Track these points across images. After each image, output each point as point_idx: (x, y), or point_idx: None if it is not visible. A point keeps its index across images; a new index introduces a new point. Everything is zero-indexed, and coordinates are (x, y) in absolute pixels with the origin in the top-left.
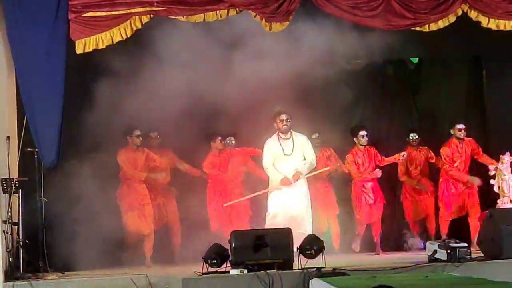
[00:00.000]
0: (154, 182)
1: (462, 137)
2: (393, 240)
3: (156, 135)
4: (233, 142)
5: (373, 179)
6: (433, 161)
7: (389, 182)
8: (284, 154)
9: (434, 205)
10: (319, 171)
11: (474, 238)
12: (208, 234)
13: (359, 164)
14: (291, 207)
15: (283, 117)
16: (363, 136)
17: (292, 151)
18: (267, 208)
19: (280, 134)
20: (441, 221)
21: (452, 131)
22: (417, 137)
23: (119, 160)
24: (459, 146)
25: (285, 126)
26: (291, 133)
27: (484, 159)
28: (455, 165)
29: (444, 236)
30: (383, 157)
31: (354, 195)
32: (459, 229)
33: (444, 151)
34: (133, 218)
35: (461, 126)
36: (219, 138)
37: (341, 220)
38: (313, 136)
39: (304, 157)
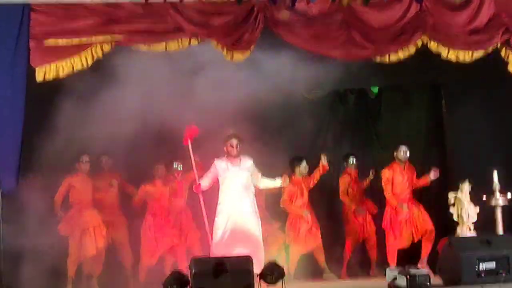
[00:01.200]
0: (103, 204)
1: (403, 160)
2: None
3: (106, 158)
4: (180, 167)
5: (308, 207)
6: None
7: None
8: (230, 177)
9: (375, 230)
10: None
11: (424, 258)
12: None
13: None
14: (242, 225)
15: (234, 142)
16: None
17: (237, 174)
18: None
19: (228, 157)
20: (389, 249)
21: (395, 153)
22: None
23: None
24: (401, 168)
25: (234, 151)
26: (240, 159)
27: (417, 183)
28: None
29: (392, 265)
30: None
31: (289, 223)
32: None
33: (384, 173)
34: (83, 241)
35: (404, 147)
36: (163, 164)
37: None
38: None
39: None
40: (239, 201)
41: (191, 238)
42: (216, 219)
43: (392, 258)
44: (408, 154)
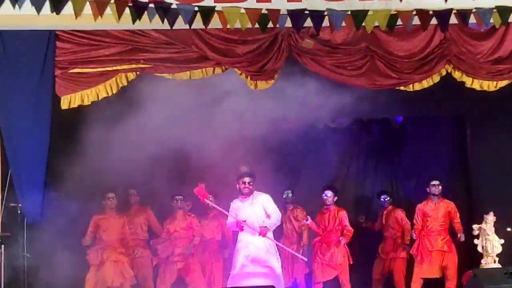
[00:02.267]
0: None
1: (437, 193)
2: None
3: (134, 192)
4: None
5: (334, 240)
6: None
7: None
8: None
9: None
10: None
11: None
12: None
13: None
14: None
15: (246, 179)
16: (325, 195)
17: (250, 212)
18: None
19: (242, 195)
20: (415, 279)
21: (427, 189)
22: (388, 198)
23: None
24: (434, 203)
25: (246, 189)
26: (253, 196)
27: (457, 225)
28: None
29: None
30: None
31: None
32: None
33: (418, 208)
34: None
35: (435, 182)
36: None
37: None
38: (284, 195)
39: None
40: (255, 238)
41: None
42: (235, 256)
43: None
44: (439, 188)
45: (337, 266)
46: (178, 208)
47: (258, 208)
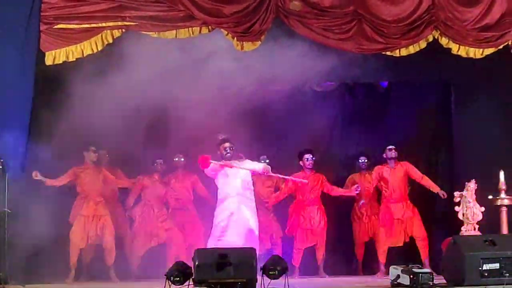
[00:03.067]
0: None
1: (393, 157)
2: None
3: (105, 153)
4: (182, 160)
5: (316, 202)
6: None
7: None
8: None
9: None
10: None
11: (424, 260)
12: None
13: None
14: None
15: (227, 145)
16: (307, 160)
17: (233, 175)
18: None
19: (223, 160)
20: (379, 246)
21: (384, 154)
22: (366, 160)
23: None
24: (390, 168)
25: (228, 154)
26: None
27: (426, 181)
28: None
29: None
30: (333, 186)
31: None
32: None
33: (375, 170)
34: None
35: (391, 146)
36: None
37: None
38: (261, 159)
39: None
40: (237, 199)
41: (194, 232)
42: (216, 216)
43: (383, 256)
44: (395, 154)
45: (318, 231)
46: (157, 171)
47: (241, 171)
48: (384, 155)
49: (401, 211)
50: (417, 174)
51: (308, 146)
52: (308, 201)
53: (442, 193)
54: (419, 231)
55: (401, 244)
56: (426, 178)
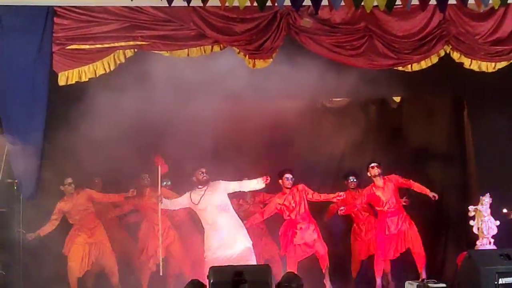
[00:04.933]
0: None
1: (377, 174)
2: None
3: (98, 179)
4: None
5: (305, 218)
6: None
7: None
8: (205, 202)
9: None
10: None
11: (421, 271)
12: None
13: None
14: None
15: (203, 169)
16: (287, 179)
17: (211, 198)
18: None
19: (198, 186)
20: (377, 261)
21: (368, 173)
22: (354, 180)
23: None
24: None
25: (205, 177)
26: (208, 184)
27: (417, 186)
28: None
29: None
30: (314, 192)
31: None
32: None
33: (364, 194)
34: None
35: (373, 164)
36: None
37: None
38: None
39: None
40: (220, 220)
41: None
42: (205, 241)
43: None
44: (379, 170)
45: (313, 243)
46: (145, 186)
47: (217, 193)
48: (368, 174)
49: (397, 224)
50: (405, 183)
51: (321, 163)
52: (296, 218)
53: (433, 195)
54: (415, 243)
55: (397, 256)
56: (415, 183)
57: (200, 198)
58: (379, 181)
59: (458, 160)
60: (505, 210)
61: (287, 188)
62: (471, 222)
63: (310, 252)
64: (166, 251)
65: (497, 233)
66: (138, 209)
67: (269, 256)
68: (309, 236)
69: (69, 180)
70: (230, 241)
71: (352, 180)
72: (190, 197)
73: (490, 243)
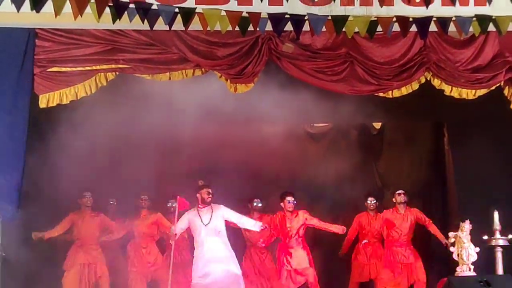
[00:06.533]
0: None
1: (403, 202)
2: None
3: (114, 202)
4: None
5: (300, 243)
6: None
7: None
8: (203, 223)
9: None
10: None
11: None
12: None
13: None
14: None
15: (209, 190)
16: (289, 202)
17: (209, 220)
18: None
19: (199, 205)
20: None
21: (393, 199)
22: (375, 201)
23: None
24: (401, 213)
25: (209, 198)
26: (211, 207)
27: (433, 228)
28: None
29: None
30: (320, 221)
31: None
32: None
33: (382, 216)
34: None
35: (400, 191)
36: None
37: None
38: (255, 203)
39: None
40: (214, 243)
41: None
42: (194, 266)
43: None
44: (405, 198)
45: (303, 270)
46: (142, 208)
47: (217, 218)
48: (394, 200)
49: (406, 255)
50: (425, 221)
51: (302, 186)
52: (291, 243)
53: (445, 242)
54: (421, 276)
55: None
56: (433, 225)
57: (210, 218)
58: (401, 209)
59: (438, 187)
60: (485, 237)
61: (289, 211)
62: (451, 249)
63: (302, 280)
64: (155, 274)
65: (477, 259)
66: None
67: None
68: (301, 262)
69: (87, 193)
70: (219, 267)
71: (371, 202)
72: (200, 217)
73: (470, 269)
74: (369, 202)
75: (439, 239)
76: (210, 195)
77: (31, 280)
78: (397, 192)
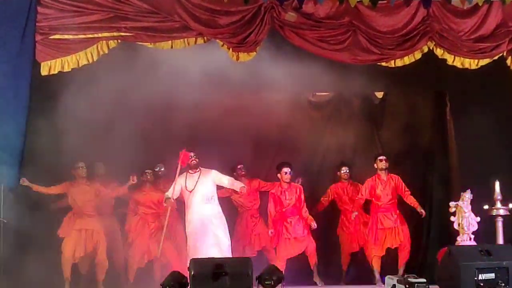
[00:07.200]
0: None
1: (384, 168)
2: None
3: (101, 165)
4: (162, 169)
5: (296, 213)
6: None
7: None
8: (187, 190)
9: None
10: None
11: (401, 267)
12: None
13: (282, 200)
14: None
15: (191, 154)
16: (285, 173)
17: (194, 186)
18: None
19: (189, 171)
20: (371, 255)
21: (375, 165)
22: (348, 170)
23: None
24: (383, 179)
25: (194, 161)
26: (200, 169)
27: (411, 199)
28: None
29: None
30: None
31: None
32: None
33: (367, 182)
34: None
35: (382, 157)
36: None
37: None
38: (238, 167)
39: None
40: (204, 210)
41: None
42: (186, 229)
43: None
44: (386, 164)
45: (302, 239)
46: (147, 181)
47: (207, 182)
48: (375, 165)
49: (391, 220)
50: (403, 191)
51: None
52: (288, 211)
53: (421, 212)
54: (405, 240)
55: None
56: (410, 197)
57: (196, 184)
58: (383, 175)
59: (440, 156)
60: (486, 207)
61: (285, 182)
62: (452, 218)
63: (301, 248)
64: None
65: (477, 229)
66: (130, 201)
67: (261, 247)
68: (298, 231)
69: (81, 164)
70: (208, 234)
71: (345, 171)
72: (186, 183)
73: (470, 239)
74: (343, 171)
75: (415, 208)
76: (193, 158)
77: (30, 246)
78: (378, 158)
